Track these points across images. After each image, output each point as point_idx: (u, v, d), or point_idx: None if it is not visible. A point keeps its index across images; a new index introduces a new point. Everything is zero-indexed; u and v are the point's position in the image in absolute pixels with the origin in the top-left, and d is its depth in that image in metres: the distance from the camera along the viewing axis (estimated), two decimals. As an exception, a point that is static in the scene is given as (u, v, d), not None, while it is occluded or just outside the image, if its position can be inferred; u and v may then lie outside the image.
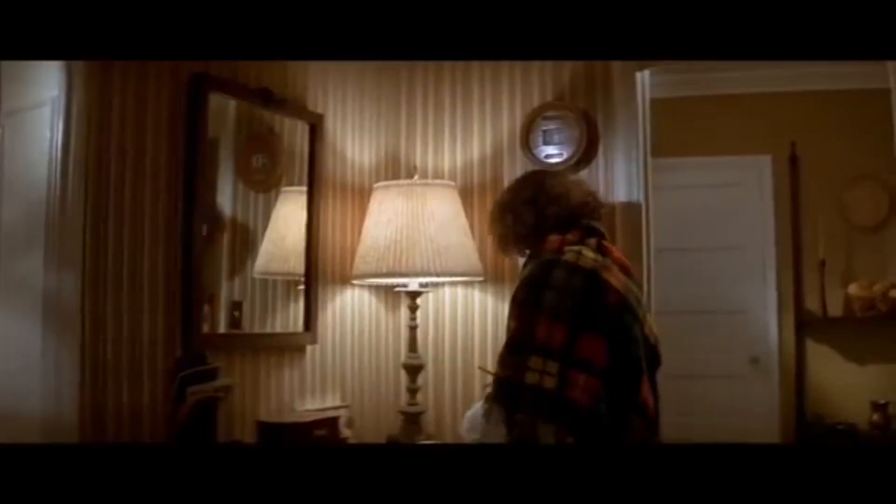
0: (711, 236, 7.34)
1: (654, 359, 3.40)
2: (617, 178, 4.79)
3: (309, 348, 4.74)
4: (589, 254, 3.32)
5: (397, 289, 5.00)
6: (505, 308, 4.89)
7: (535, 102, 5.02)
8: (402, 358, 4.96)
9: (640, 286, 3.58)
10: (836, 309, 7.26)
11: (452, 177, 5.15)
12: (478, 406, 3.73)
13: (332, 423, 4.46)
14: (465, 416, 4.20)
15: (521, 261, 3.63)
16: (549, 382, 3.05)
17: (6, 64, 3.77)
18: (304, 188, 4.73)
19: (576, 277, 3.22)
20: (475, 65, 5.18)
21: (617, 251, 3.50)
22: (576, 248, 3.34)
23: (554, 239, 3.42)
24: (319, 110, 4.84)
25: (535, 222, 3.54)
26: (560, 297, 3.18)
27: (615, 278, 3.30)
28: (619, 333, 3.21)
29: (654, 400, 3.32)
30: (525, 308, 3.24)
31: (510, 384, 3.14)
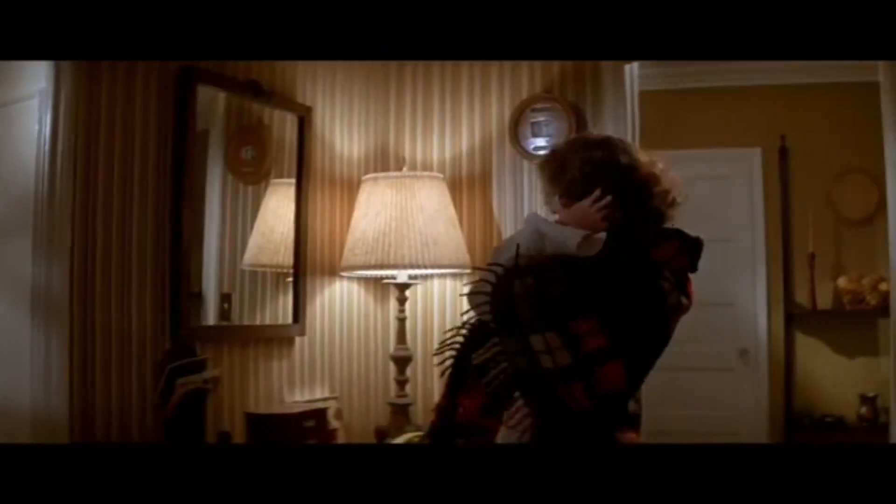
0: (700, 229, 7.22)
1: None
2: (605, 171, 4.79)
3: (298, 340, 4.75)
4: (681, 295, 2.81)
5: (386, 281, 5.01)
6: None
7: (524, 94, 5.03)
8: (391, 350, 4.98)
9: None
10: (825, 302, 7.29)
11: (441, 169, 5.16)
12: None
13: (320, 414, 4.48)
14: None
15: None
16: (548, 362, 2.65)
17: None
18: (293, 180, 4.73)
19: (661, 310, 2.78)
20: (464, 57, 5.19)
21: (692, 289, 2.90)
22: (674, 273, 2.80)
23: (670, 249, 2.83)
24: (308, 102, 4.84)
25: (660, 213, 2.96)
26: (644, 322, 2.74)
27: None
28: None
29: None
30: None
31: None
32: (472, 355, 2.84)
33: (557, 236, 2.91)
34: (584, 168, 2.97)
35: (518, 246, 2.84)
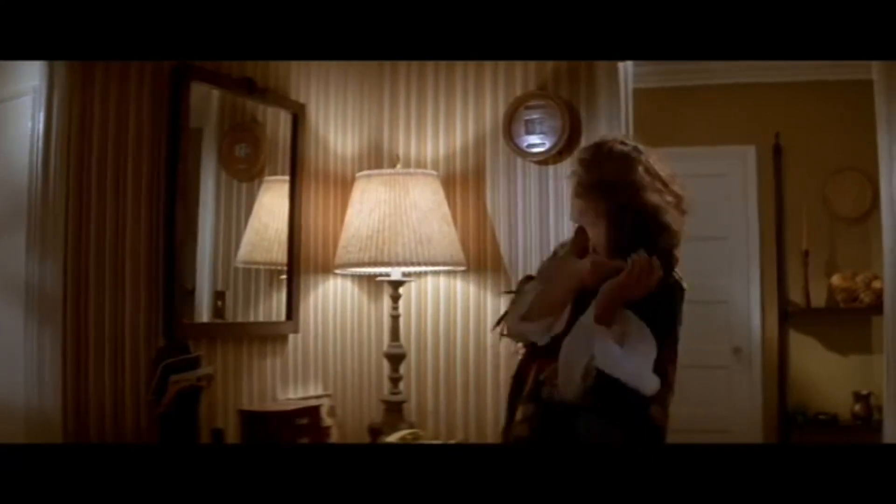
0: (695, 226, 7.24)
1: None
2: (599, 169, 4.79)
3: (291, 337, 4.74)
4: None
5: (380, 278, 5.01)
6: (486, 297, 4.93)
7: (518, 92, 5.03)
8: (384, 347, 4.98)
9: None
10: (819, 299, 7.30)
11: (435, 166, 5.16)
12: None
13: (313, 411, 4.47)
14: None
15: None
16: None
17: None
18: (287, 177, 4.72)
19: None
20: (458, 54, 5.18)
21: None
22: None
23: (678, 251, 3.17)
24: (302, 99, 4.83)
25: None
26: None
27: None
28: None
29: None
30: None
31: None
32: None
33: (630, 378, 2.94)
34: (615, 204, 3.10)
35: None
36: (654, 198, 3.05)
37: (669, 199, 3.08)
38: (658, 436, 3.02)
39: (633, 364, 2.92)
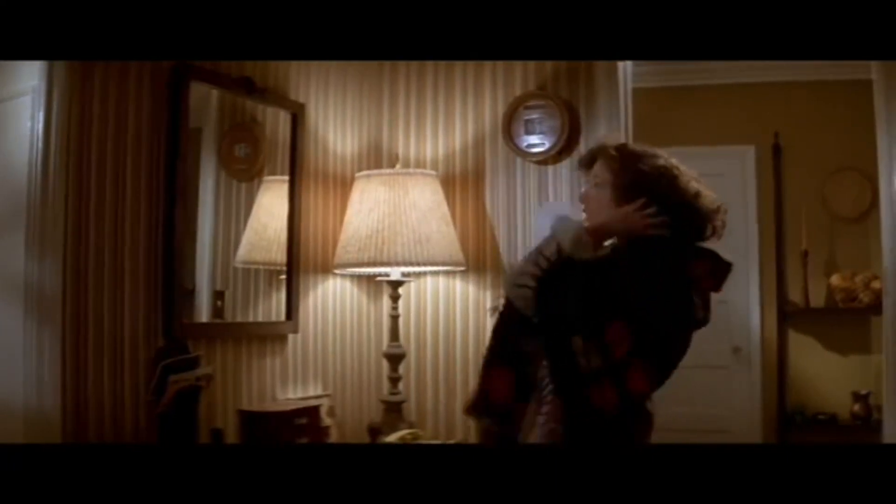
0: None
1: None
2: (599, 168, 4.79)
3: (291, 337, 4.74)
4: (705, 311, 3.03)
5: (379, 278, 5.01)
6: (486, 297, 4.93)
7: (518, 92, 5.02)
8: (384, 347, 4.97)
9: None
10: (818, 299, 7.30)
11: (434, 166, 5.15)
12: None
13: (313, 411, 4.47)
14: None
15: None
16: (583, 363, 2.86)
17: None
18: (287, 177, 4.72)
19: (689, 324, 2.99)
20: (458, 54, 5.18)
21: None
22: (702, 290, 3.03)
23: (703, 267, 3.07)
24: (301, 99, 4.83)
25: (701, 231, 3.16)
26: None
27: None
28: None
29: None
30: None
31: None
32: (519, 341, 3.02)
33: (559, 232, 2.99)
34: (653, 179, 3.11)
35: (559, 246, 2.97)
36: (704, 200, 3.17)
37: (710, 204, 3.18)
38: (602, 420, 2.89)
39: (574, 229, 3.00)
